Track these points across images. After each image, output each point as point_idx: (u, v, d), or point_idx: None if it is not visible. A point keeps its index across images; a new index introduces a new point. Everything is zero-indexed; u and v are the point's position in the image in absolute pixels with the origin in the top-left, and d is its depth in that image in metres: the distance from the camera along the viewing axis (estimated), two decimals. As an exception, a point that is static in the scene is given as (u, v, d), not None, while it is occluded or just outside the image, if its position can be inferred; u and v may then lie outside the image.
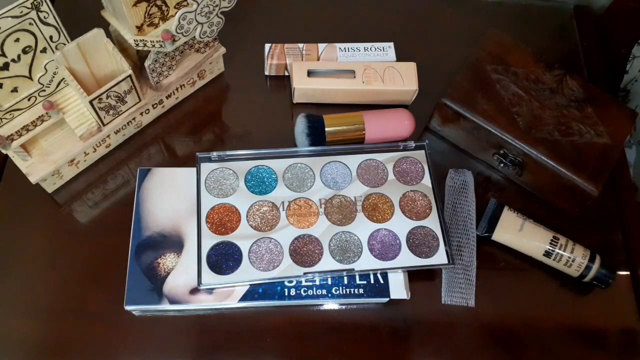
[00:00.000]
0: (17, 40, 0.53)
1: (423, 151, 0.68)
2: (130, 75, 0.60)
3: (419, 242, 0.63)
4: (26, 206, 0.65)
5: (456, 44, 0.79)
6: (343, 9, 0.83)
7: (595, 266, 0.63)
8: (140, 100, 0.65)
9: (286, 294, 0.59)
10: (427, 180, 0.67)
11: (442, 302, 0.62)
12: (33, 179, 0.61)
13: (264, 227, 0.62)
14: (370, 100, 0.73)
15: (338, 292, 0.60)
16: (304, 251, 0.61)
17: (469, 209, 0.66)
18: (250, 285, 0.59)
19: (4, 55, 0.53)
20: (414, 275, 0.62)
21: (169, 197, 0.64)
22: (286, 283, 0.60)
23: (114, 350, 0.58)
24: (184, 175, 0.65)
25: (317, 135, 0.67)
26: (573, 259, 0.63)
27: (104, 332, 0.59)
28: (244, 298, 0.59)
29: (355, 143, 0.69)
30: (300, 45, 0.75)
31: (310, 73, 0.71)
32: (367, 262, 0.61)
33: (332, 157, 0.67)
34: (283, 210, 0.63)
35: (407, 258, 0.61)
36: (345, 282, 0.60)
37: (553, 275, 0.65)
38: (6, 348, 0.58)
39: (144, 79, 0.67)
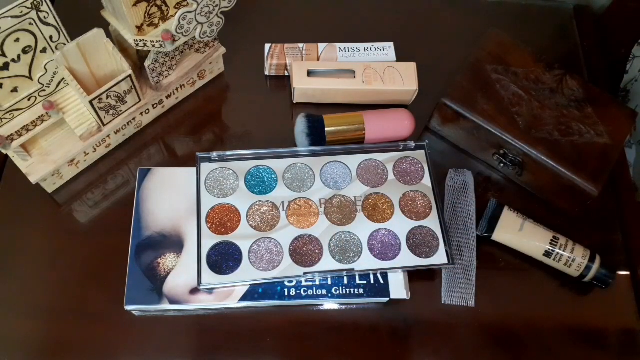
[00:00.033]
0: (17, 40, 0.53)
1: (423, 151, 0.68)
2: (130, 75, 0.60)
3: (419, 242, 0.63)
4: (26, 206, 0.65)
5: (456, 44, 0.79)
6: (343, 9, 0.83)
7: (595, 266, 0.63)
8: (140, 100, 0.65)
9: (286, 294, 0.59)
10: (427, 180, 0.66)
11: (442, 302, 0.62)
12: (33, 179, 0.61)
13: (264, 227, 0.62)
14: (370, 100, 0.73)
15: (338, 292, 0.60)
16: (304, 251, 0.61)
17: (469, 209, 0.66)
18: (250, 285, 0.59)
19: (4, 55, 0.53)
20: (414, 275, 0.62)
21: (169, 197, 0.64)
22: (286, 283, 0.60)
23: (114, 350, 0.58)
24: (184, 175, 0.65)
25: (317, 135, 0.67)
26: (573, 259, 0.63)
27: (104, 332, 0.59)
28: (244, 298, 0.59)
29: (355, 143, 0.69)
30: (300, 45, 0.75)
31: (310, 73, 0.71)
32: (367, 262, 0.61)
33: (332, 157, 0.67)
34: (283, 210, 0.63)
35: (407, 258, 0.61)
36: (345, 282, 0.60)
37: (553, 275, 0.65)
38: (6, 348, 0.58)
39: (144, 79, 0.67)
